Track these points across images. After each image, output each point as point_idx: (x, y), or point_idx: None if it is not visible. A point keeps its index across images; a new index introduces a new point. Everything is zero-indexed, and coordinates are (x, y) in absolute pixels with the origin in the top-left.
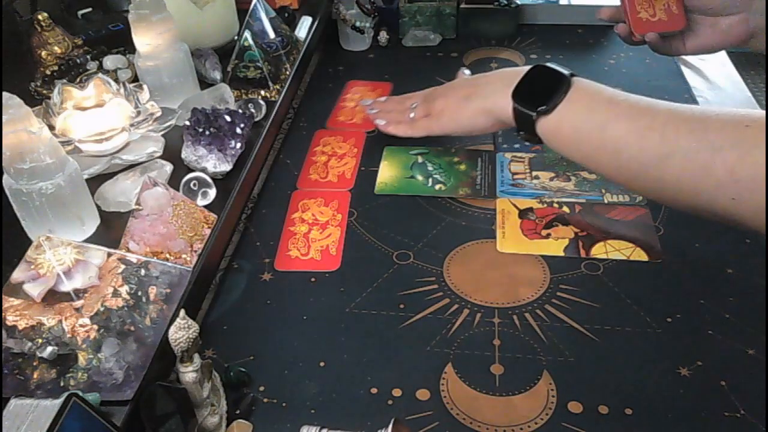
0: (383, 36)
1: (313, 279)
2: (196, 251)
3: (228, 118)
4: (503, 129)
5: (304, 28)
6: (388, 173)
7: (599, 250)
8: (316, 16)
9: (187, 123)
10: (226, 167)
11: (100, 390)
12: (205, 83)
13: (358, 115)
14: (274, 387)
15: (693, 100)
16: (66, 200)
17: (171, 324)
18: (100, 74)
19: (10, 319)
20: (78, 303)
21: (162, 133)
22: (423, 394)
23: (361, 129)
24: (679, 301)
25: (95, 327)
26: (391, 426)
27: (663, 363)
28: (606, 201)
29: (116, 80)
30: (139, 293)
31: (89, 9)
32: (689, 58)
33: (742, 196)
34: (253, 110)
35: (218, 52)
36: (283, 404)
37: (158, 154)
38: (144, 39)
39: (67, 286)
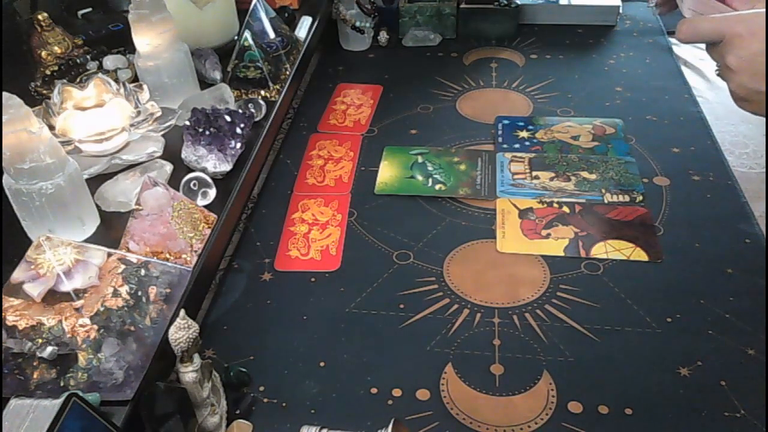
0: (383, 36)
1: (313, 279)
2: (196, 251)
3: (228, 118)
4: (505, 128)
5: (304, 28)
6: (388, 173)
7: (599, 250)
8: (316, 16)
9: (187, 123)
10: (226, 167)
11: (100, 390)
12: (205, 83)
13: (350, 117)
14: (274, 387)
15: (693, 100)
16: (66, 200)
17: (171, 324)
18: (100, 74)
19: (10, 319)
20: (78, 303)
21: (162, 133)
22: (423, 394)
23: (354, 132)
24: (679, 301)
25: (95, 327)
26: (391, 426)
27: (663, 363)
28: (606, 201)
29: (116, 80)
30: (139, 293)
31: (89, 9)
32: (689, 58)
33: None
34: (253, 110)
35: (218, 52)
36: (283, 404)
37: (158, 154)
38: (144, 39)
39: (67, 286)
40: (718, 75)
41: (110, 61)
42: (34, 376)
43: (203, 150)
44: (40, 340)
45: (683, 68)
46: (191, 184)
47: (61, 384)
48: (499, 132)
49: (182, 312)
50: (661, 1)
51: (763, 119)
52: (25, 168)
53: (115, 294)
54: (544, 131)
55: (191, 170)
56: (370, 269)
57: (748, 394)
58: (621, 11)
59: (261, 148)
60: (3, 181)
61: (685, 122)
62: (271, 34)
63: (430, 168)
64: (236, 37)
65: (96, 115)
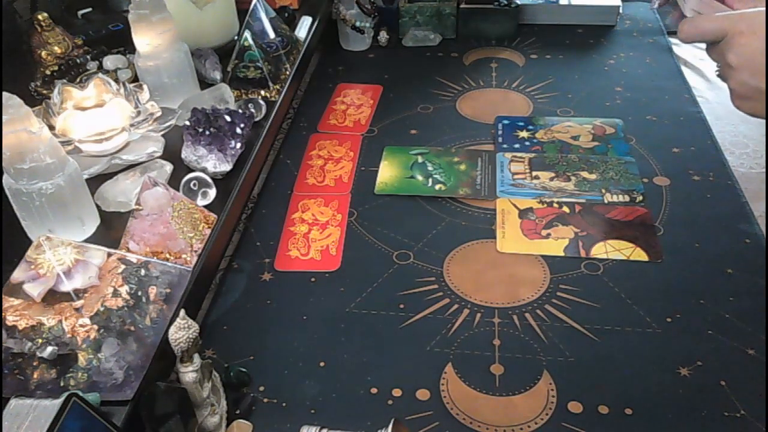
0: (383, 36)
1: (313, 279)
2: (196, 251)
3: (228, 118)
4: (505, 128)
5: (304, 28)
6: (388, 173)
7: (599, 250)
8: (316, 16)
9: (187, 123)
10: (226, 167)
11: (100, 390)
12: (205, 83)
13: (350, 117)
14: (274, 387)
15: (693, 100)
16: (66, 200)
17: (171, 324)
18: (100, 74)
19: (10, 319)
20: (78, 303)
21: (162, 133)
22: (423, 394)
23: (354, 132)
24: (679, 301)
25: (95, 327)
26: (391, 426)
27: (663, 363)
28: (606, 201)
29: (116, 80)
30: (139, 293)
31: (89, 9)
32: (689, 58)
33: None
34: (253, 110)
35: (218, 52)
36: (283, 404)
37: (158, 154)
38: (144, 39)
39: (67, 286)
40: (718, 75)
41: (110, 61)
42: (34, 376)
43: (203, 150)
44: (40, 340)
45: (683, 68)
46: (191, 184)
47: (61, 384)
48: (499, 132)
49: (182, 312)
50: (662, 2)
51: (763, 120)
52: (25, 168)
53: (115, 294)
54: (544, 131)
55: (191, 170)
56: (370, 269)
57: (748, 394)
58: (621, 11)
59: (261, 148)
60: (3, 181)
61: (685, 122)
62: (271, 34)
63: (430, 168)
64: (236, 37)
65: (96, 115)
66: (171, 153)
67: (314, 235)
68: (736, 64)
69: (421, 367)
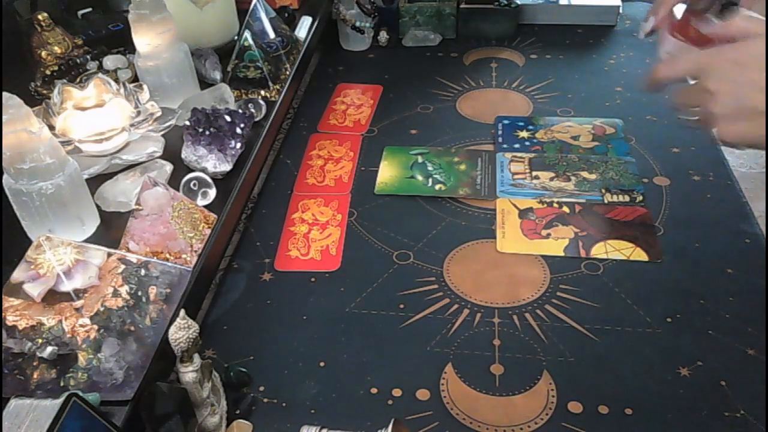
0: (383, 36)
1: (313, 279)
2: (196, 251)
3: (228, 118)
4: (505, 128)
5: (304, 28)
6: (388, 173)
7: (599, 250)
8: (316, 16)
9: (187, 123)
10: (226, 167)
11: (100, 390)
12: (205, 83)
13: (350, 117)
14: (274, 387)
15: None
16: (66, 200)
17: (171, 324)
18: (100, 74)
19: (10, 319)
20: (78, 303)
21: (162, 133)
22: (423, 394)
23: (354, 132)
24: (679, 301)
25: (95, 327)
26: (391, 426)
27: (663, 363)
28: (606, 201)
29: (116, 80)
30: (139, 293)
31: (89, 9)
32: None
33: None
34: (253, 110)
35: (218, 52)
36: (283, 404)
37: (158, 154)
38: (144, 39)
39: (67, 286)
40: (697, 121)
41: (110, 61)
42: (34, 376)
43: (203, 150)
44: (40, 340)
45: None
46: (191, 184)
47: (61, 384)
48: (499, 132)
49: (182, 312)
50: (649, 33)
51: (753, 147)
52: (25, 168)
53: (115, 294)
54: (544, 131)
55: (191, 170)
56: (370, 269)
57: (748, 394)
58: (621, 11)
59: (261, 148)
60: (3, 181)
61: None
62: (271, 34)
63: (430, 168)
64: (236, 37)
65: (96, 115)
66: (171, 153)
67: (314, 235)
68: (719, 88)
69: (421, 367)
